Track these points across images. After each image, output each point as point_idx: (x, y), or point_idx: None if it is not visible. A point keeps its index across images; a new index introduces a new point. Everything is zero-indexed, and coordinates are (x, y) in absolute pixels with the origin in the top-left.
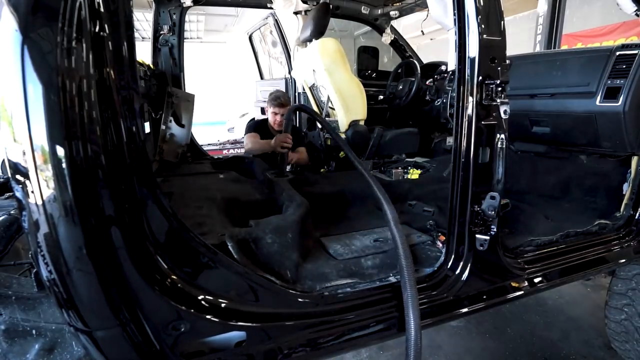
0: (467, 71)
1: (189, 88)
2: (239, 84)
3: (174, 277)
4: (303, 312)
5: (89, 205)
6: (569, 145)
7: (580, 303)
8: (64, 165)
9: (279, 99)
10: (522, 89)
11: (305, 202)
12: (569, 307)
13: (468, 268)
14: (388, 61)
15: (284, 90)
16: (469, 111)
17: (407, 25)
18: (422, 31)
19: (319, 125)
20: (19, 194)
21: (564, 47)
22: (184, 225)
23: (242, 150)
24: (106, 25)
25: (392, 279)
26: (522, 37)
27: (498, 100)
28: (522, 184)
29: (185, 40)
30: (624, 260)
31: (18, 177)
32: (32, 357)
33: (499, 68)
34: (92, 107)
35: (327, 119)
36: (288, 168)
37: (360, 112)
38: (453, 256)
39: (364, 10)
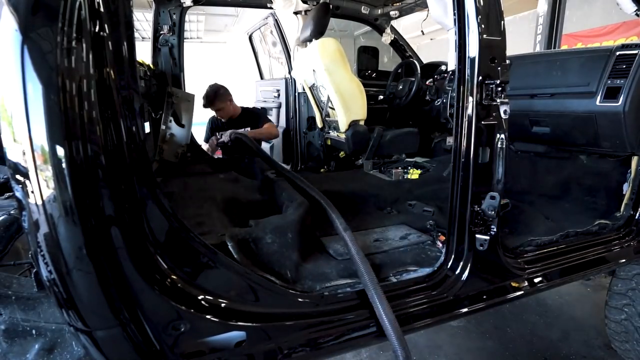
0: (467, 71)
1: (188, 88)
2: (239, 83)
3: (174, 277)
4: (303, 312)
5: (89, 205)
6: (569, 145)
7: (580, 303)
8: (64, 165)
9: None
10: (522, 89)
11: (305, 202)
12: (569, 307)
13: (468, 268)
14: (388, 61)
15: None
16: (469, 111)
17: (407, 25)
18: (422, 31)
19: (319, 125)
20: (19, 194)
21: (564, 47)
22: (184, 225)
23: None
24: (106, 25)
25: (393, 279)
26: (522, 37)
27: (498, 100)
28: (522, 184)
29: (185, 40)
30: (624, 260)
31: (18, 177)
32: (32, 357)
33: (499, 68)
34: (92, 107)
35: (327, 119)
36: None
37: (360, 112)
38: (453, 256)
39: (364, 10)
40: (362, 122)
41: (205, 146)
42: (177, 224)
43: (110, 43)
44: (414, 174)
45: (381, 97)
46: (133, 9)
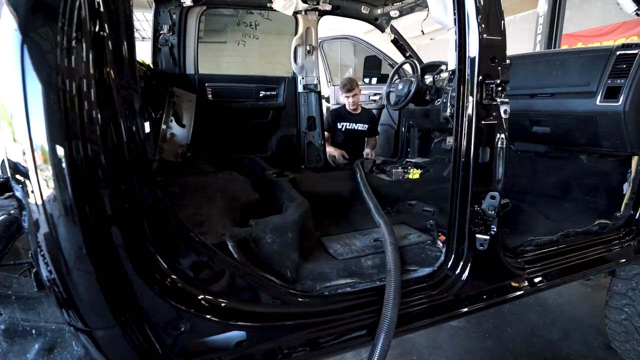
0: (467, 71)
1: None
2: None
3: (174, 276)
4: (303, 312)
5: (88, 205)
6: (569, 145)
7: (580, 303)
8: (64, 165)
9: (346, 86)
10: (522, 89)
11: (305, 202)
12: (569, 307)
13: (468, 268)
14: None
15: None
16: (469, 111)
17: (407, 25)
18: (422, 31)
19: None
20: (19, 194)
21: (564, 47)
22: (184, 225)
23: None
24: (106, 25)
25: None
26: (522, 37)
27: (498, 100)
28: (522, 184)
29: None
30: (624, 260)
31: (18, 177)
32: (32, 356)
33: (499, 68)
34: (92, 107)
35: None
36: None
37: None
38: (453, 256)
39: (364, 9)
40: None
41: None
42: (177, 224)
43: (110, 43)
44: (414, 174)
45: (381, 97)
46: (133, 9)
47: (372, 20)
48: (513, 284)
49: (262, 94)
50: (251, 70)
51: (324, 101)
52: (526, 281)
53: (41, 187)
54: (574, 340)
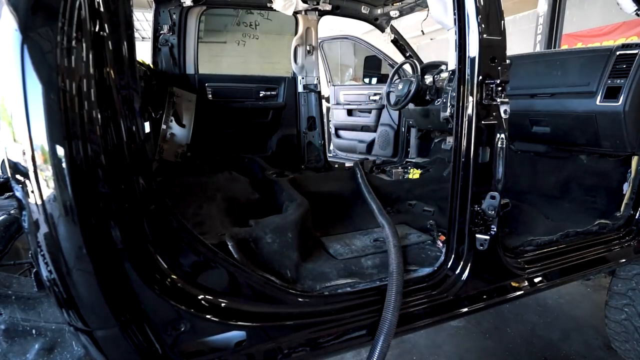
0: (467, 71)
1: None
2: None
3: (174, 276)
4: (303, 312)
5: (89, 205)
6: (569, 145)
7: (580, 303)
8: (64, 165)
9: None
10: (522, 89)
11: (305, 202)
12: (569, 307)
13: (468, 268)
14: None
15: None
16: (469, 111)
17: (407, 25)
18: (422, 31)
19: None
20: (19, 194)
21: (564, 47)
22: (184, 225)
23: None
24: (106, 25)
25: None
26: (522, 37)
27: (498, 100)
28: (522, 184)
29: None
30: (624, 260)
31: (18, 177)
32: (32, 356)
33: (499, 68)
34: (92, 107)
35: None
36: None
37: None
38: (453, 256)
39: (364, 9)
40: None
41: None
42: (177, 224)
43: (110, 43)
44: (414, 174)
45: (381, 97)
46: (133, 9)
47: (372, 20)
48: (513, 284)
49: (262, 94)
50: (251, 70)
51: (323, 101)
52: (526, 281)
53: (41, 187)
54: (574, 340)
